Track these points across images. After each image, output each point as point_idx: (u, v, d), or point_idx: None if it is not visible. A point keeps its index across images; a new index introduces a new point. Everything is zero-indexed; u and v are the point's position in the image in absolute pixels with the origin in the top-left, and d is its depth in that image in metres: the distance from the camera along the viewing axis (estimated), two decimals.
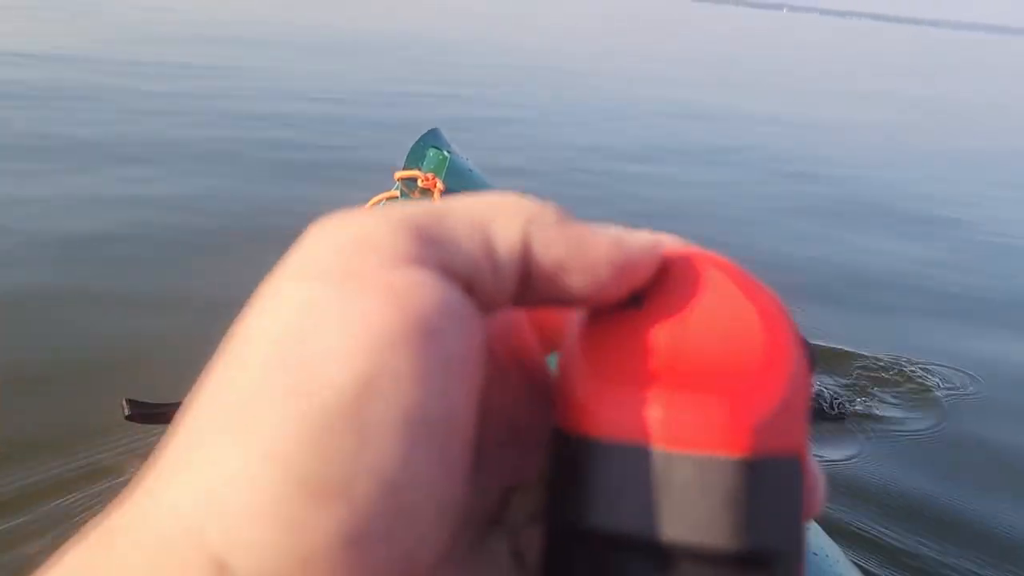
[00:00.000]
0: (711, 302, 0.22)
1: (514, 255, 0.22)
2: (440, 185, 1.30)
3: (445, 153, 1.42)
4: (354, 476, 0.18)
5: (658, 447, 0.20)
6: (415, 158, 1.38)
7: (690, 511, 0.20)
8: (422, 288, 0.20)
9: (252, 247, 2.37)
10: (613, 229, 0.23)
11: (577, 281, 0.22)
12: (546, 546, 0.23)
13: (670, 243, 0.24)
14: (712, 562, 0.20)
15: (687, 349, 0.22)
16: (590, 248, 0.22)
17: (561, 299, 0.23)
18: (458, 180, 1.35)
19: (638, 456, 0.20)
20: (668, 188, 4.38)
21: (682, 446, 0.20)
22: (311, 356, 0.19)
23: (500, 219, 0.22)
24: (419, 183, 1.27)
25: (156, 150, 3.82)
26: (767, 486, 0.20)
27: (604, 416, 0.21)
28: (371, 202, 1.29)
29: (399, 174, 1.30)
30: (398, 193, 1.30)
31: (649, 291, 0.23)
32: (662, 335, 0.22)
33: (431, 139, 1.46)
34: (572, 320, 0.24)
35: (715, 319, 0.22)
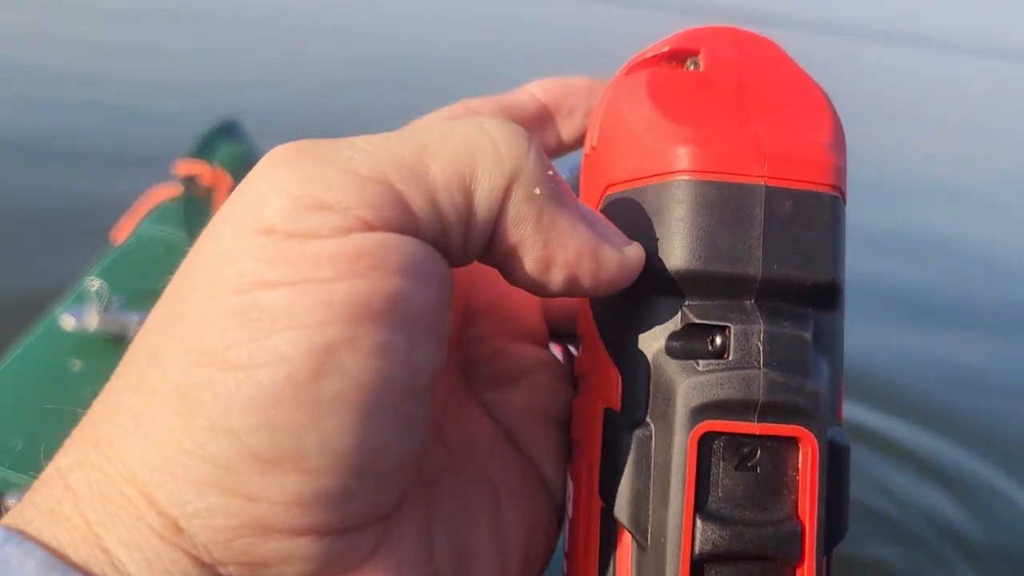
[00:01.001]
0: (772, 65, 0.23)
1: (491, 216, 0.20)
2: (230, 182, 1.20)
3: (244, 147, 1.33)
4: (306, 448, 0.18)
5: (760, 182, 0.20)
6: (206, 150, 1.28)
7: (791, 245, 0.20)
8: (385, 253, 0.18)
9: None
10: (598, 229, 0.21)
11: (526, 269, 0.21)
12: (615, 309, 0.22)
13: None
14: (801, 297, 0.21)
15: (769, 97, 0.22)
16: (558, 245, 0.20)
17: (505, 274, 0.22)
18: None
19: (738, 192, 0.20)
20: None
21: (786, 181, 0.21)
22: (260, 325, 0.18)
23: (486, 170, 0.20)
24: (201, 179, 1.17)
25: None
26: (842, 223, 0.21)
27: (698, 153, 0.21)
28: (147, 196, 1.18)
29: (182, 167, 1.20)
30: (181, 188, 1.20)
31: (700, 54, 0.23)
32: (736, 85, 0.22)
33: (227, 132, 1.36)
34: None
35: (783, 76, 0.23)
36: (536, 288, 0.21)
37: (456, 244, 0.20)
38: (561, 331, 0.27)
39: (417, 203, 0.19)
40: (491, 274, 0.26)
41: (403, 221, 0.19)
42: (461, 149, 0.20)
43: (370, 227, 0.19)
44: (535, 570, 0.24)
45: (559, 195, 0.21)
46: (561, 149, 0.28)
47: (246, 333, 0.18)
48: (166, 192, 1.20)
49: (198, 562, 0.18)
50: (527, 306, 0.27)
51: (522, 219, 0.20)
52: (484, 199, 0.20)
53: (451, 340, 0.25)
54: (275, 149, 0.20)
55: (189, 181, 1.17)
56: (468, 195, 0.20)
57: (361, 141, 0.20)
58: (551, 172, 0.21)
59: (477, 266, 0.25)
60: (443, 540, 0.22)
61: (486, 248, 0.21)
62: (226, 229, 0.19)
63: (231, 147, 1.31)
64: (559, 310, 0.28)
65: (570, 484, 0.24)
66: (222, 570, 0.19)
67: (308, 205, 0.18)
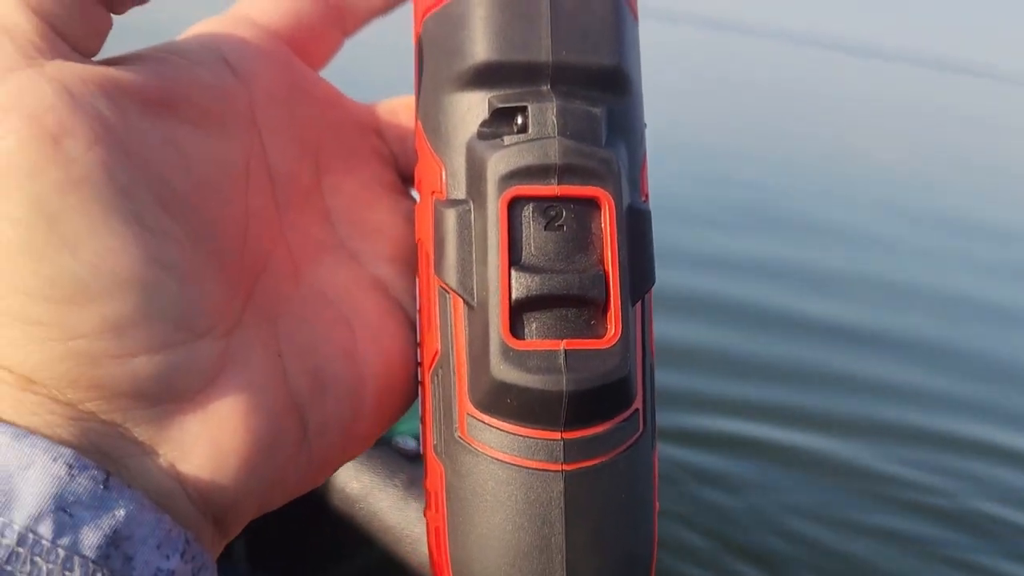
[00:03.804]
0: None
1: None
2: None
3: None
4: (81, 279, 0.20)
5: None
6: None
7: (576, 34, 0.23)
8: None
9: None
10: None
11: None
12: (435, 111, 0.25)
13: None
14: (591, 81, 0.24)
15: None
16: None
17: None
18: None
19: None
20: None
21: None
22: None
23: None
24: None
25: None
26: (627, 19, 0.24)
27: None
28: None
29: None
30: None
31: None
32: None
33: None
34: None
35: None
36: None
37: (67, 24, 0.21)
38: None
39: None
40: (327, 123, 0.28)
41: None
42: None
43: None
44: (396, 396, 0.26)
45: None
46: (388, 6, 0.30)
47: None
48: None
49: (60, 403, 0.20)
50: (376, 158, 0.29)
51: None
52: None
53: (308, 190, 0.27)
54: None
55: None
56: None
57: None
58: None
59: (310, 120, 0.27)
60: (295, 366, 0.24)
61: None
62: None
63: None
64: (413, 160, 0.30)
65: (417, 283, 0.26)
66: (81, 406, 0.20)
67: None
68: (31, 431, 0.20)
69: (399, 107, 0.30)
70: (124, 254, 0.20)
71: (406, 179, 0.30)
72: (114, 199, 0.20)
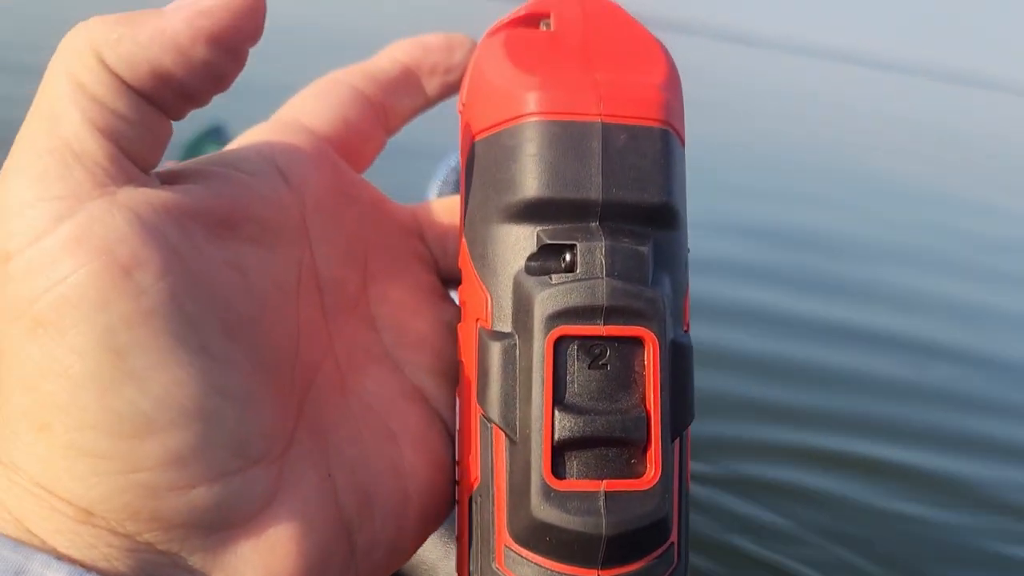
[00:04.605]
0: (614, 23, 0.26)
1: (109, 90, 0.21)
2: None
3: None
4: (146, 411, 0.20)
5: (597, 119, 0.24)
6: (192, 155, 1.30)
7: (627, 172, 0.24)
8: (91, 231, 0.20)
9: None
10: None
11: (176, 68, 0.22)
12: (484, 240, 0.25)
13: None
14: (639, 218, 0.24)
15: (610, 49, 0.25)
16: (171, 37, 0.21)
17: (173, 90, 0.22)
18: None
19: (578, 129, 0.24)
20: None
21: (620, 118, 0.24)
22: (50, 337, 0.20)
23: (63, 68, 0.21)
24: None
25: None
26: (676, 153, 0.25)
27: (542, 97, 0.24)
28: None
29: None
30: None
31: (550, 16, 0.26)
32: (581, 40, 0.26)
33: (214, 136, 1.39)
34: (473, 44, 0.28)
35: (624, 32, 0.26)
36: (198, 73, 0.22)
37: (128, 137, 0.22)
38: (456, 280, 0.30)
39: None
40: (376, 233, 0.29)
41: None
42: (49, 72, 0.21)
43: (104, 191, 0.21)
44: (438, 507, 0.27)
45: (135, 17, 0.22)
46: (428, 105, 0.31)
47: (42, 348, 0.20)
48: None
49: (117, 535, 0.21)
50: (419, 262, 0.30)
51: (132, 53, 0.21)
52: (87, 84, 0.21)
53: (355, 297, 0.27)
54: None
55: None
56: (76, 94, 0.21)
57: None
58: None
59: (357, 226, 0.28)
60: (345, 484, 0.24)
61: (151, 104, 0.22)
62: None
63: (216, 149, 1.33)
64: (452, 263, 0.30)
65: (457, 402, 0.27)
66: (139, 537, 0.21)
67: (53, 166, 0.21)
68: (87, 567, 0.20)
69: (440, 209, 0.31)
70: (189, 386, 0.21)
71: (446, 281, 0.31)
72: (181, 330, 0.21)
